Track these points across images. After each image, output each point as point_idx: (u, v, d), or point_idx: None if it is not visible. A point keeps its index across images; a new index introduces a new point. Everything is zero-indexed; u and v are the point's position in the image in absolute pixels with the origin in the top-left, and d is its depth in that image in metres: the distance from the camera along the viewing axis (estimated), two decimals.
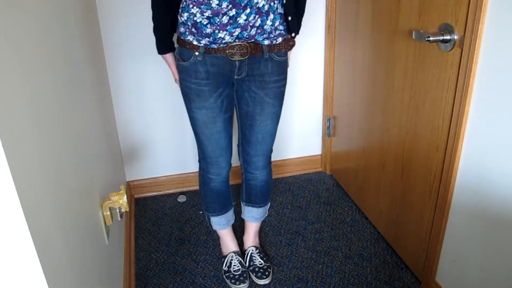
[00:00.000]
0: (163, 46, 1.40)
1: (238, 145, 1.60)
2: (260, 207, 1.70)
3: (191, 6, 1.23)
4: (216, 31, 1.24)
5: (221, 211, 1.67)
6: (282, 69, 1.41)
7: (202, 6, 1.21)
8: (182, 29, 1.31)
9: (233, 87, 1.42)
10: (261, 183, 1.63)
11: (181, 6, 1.28)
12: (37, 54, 0.80)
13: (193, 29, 1.27)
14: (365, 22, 1.76)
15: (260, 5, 1.23)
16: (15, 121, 0.62)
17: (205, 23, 1.24)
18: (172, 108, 2.11)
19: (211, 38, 1.26)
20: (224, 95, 1.39)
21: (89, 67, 1.42)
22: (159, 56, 1.96)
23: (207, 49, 1.29)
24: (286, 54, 1.40)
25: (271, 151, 1.58)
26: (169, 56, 1.43)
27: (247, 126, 1.49)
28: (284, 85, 1.45)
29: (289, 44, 1.37)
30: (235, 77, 1.37)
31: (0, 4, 0.62)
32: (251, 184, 1.64)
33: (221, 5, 1.20)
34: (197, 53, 1.30)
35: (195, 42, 1.29)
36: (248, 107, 1.44)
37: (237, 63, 1.32)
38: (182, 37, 1.32)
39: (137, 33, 1.92)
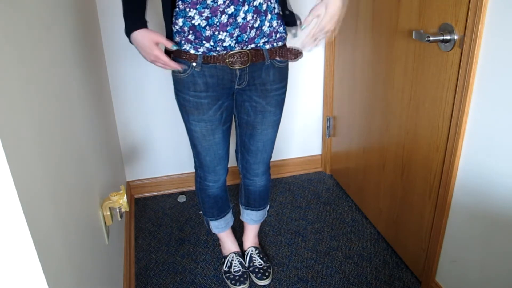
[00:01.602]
0: (135, 18, 1.15)
1: (236, 151, 1.58)
2: (259, 210, 1.69)
3: (188, 10, 1.17)
4: (216, 33, 1.18)
5: (220, 215, 1.66)
6: (283, 76, 1.36)
7: (198, 6, 1.15)
8: (177, 38, 1.24)
9: (233, 97, 1.37)
10: (260, 188, 1.62)
11: (173, 14, 1.22)
12: (37, 54, 0.80)
13: (189, 36, 1.20)
14: (365, 22, 1.76)
15: (257, 3, 1.18)
16: (15, 121, 0.62)
17: (203, 25, 1.17)
18: (172, 108, 2.10)
19: (211, 41, 1.19)
20: (224, 107, 1.34)
21: (89, 67, 1.42)
22: None
23: (205, 59, 1.22)
24: (287, 60, 1.36)
25: (271, 157, 1.56)
26: (143, 32, 1.15)
27: (247, 135, 1.45)
28: (285, 92, 1.40)
29: (293, 53, 1.30)
30: (236, 86, 1.31)
31: (0, 4, 0.62)
32: (250, 189, 1.63)
33: (217, 2, 1.14)
34: (194, 64, 1.23)
35: (192, 51, 1.23)
36: (249, 117, 1.40)
37: (237, 72, 1.26)
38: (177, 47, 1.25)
39: None
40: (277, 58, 1.30)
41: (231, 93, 1.34)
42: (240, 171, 1.61)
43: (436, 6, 1.28)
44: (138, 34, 1.17)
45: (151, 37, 1.16)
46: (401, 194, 1.67)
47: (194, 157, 1.50)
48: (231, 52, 1.22)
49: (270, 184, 1.66)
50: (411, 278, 1.66)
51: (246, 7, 1.17)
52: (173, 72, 1.29)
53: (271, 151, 1.53)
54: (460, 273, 1.40)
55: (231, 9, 1.16)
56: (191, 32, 1.20)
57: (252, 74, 1.29)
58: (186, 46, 1.23)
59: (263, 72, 1.30)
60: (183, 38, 1.22)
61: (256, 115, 1.39)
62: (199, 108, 1.30)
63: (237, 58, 1.23)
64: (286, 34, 1.32)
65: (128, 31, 1.18)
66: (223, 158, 1.47)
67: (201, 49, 1.22)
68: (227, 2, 1.15)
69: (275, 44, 1.29)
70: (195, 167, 1.56)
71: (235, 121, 1.47)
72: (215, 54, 1.23)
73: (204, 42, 1.20)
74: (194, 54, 1.23)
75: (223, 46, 1.21)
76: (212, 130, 1.36)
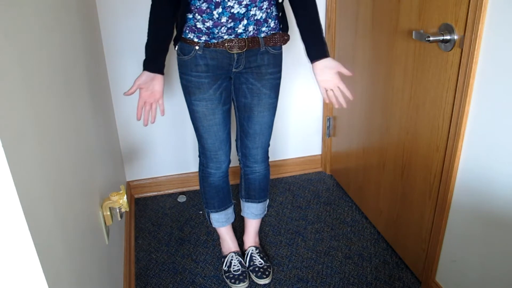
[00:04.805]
0: (154, 63, 1.37)
1: (236, 140, 1.63)
2: (259, 202, 1.71)
3: (194, 12, 1.30)
4: (216, 31, 1.32)
5: (220, 207, 1.68)
6: (277, 62, 1.46)
7: (203, 15, 1.28)
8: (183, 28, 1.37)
9: (231, 81, 1.47)
10: (260, 177, 1.65)
11: (185, 8, 1.32)
12: (37, 54, 0.80)
13: (193, 27, 1.34)
14: (365, 22, 1.76)
15: (258, 17, 1.31)
16: (15, 121, 0.62)
17: (204, 30, 1.32)
18: (172, 108, 2.11)
19: (210, 35, 1.33)
20: (223, 87, 1.44)
21: (89, 67, 1.42)
22: None
23: (207, 44, 1.35)
24: (281, 48, 1.46)
25: (269, 144, 1.61)
26: (160, 79, 1.36)
27: (245, 118, 1.53)
28: (279, 78, 1.49)
29: (284, 38, 1.42)
30: (233, 70, 1.41)
31: (0, 4, 0.62)
32: (250, 178, 1.66)
33: (220, 19, 1.28)
34: (197, 47, 1.36)
35: (195, 39, 1.35)
36: (246, 99, 1.48)
37: (235, 56, 1.38)
38: (182, 35, 1.38)
39: (137, 33, 1.91)
40: (271, 45, 1.41)
41: (229, 75, 1.45)
42: (240, 160, 1.65)
43: (436, 6, 1.28)
44: (157, 76, 1.36)
45: (162, 87, 1.38)
46: (401, 194, 1.67)
47: (198, 142, 1.56)
48: (229, 38, 1.35)
49: (269, 175, 1.69)
50: (411, 278, 1.66)
51: (245, 21, 1.30)
52: (178, 55, 1.41)
53: (269, 136, 1.58)
54: (460, 273, 1.40)
55: (230, 24, 1.29)
56: (194, 26, 1.33)
57: (249, 59, 1.40)
58: (190, 35, 1.36)
59: (258, 57, 1.41)
60: (187, 28, 1.35)
61: (253, 97, 1.48)
62: (200, 87, 1.41)
63: (235, 43, 1.35)
64: (281, 27, 1.43)
65: (147, 68, 1.37)
66: (224, 142, 1.53)
67: (203, 38, 1.34)
68: (229, 20, 1.28)
69: (269, 32, 1.40)
70: (199, 155, 1.61)
71: (234, 107, 1.55)
72: (215, 41, 1.35)
73: (204, 34, 1.34)
74: (197, 41, 1.36)
75: (221, 38, 1.34)
76: (212, 110, 1.45)
